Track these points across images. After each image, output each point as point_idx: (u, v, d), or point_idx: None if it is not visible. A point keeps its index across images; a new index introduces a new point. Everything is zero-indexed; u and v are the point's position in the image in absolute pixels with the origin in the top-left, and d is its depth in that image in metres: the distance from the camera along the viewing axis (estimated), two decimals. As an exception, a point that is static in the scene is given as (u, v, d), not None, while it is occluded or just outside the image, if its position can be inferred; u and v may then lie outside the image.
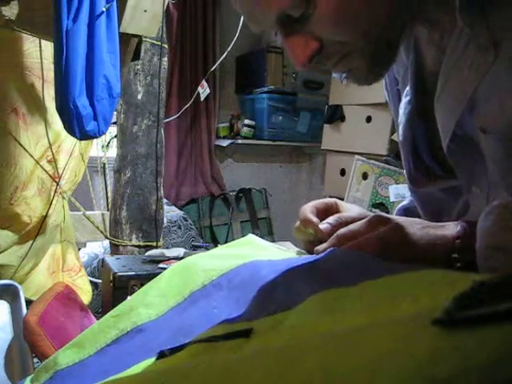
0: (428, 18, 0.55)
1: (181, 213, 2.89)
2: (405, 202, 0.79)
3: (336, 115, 2.82)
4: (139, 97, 1.83)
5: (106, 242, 2.18)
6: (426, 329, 0.20)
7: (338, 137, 2.88)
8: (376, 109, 2.55)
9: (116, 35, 1.29)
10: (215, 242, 3.18)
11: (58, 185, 1.70)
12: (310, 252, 0.59)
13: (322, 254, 0.50)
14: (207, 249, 1.56)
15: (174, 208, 2.95)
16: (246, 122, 3.29)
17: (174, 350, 0.41)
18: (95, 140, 1.88)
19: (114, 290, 1.29)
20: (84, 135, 1.29)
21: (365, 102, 2.61)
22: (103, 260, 1.52)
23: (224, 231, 3.32)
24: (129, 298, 0.61)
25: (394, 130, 2.29)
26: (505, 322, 0.18)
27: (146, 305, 0.54)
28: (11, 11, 1.33)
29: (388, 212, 2.33)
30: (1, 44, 1.45)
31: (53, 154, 1.64)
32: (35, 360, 1.02)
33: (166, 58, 1.85)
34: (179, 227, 2.77)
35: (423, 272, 0.35)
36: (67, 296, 1.12)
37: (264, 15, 0.49)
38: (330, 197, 0.75)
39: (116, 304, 0.58)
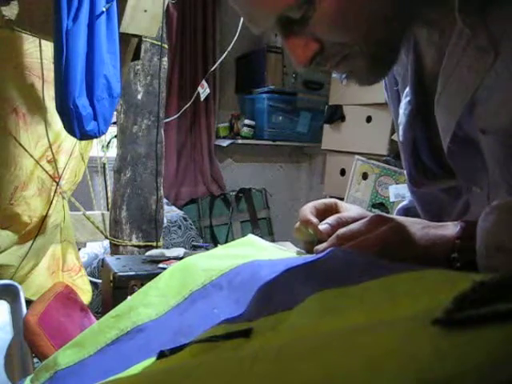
0: (428, 19, 0.55)
1: (181, 213, 2.89)
2: (405, 202, 0.79)
3: (336, 115, 2.83)
4: (139, 97, 1.83)
5: (106, 242, 2.18)
6: (426, 329, 0.20)
7: (337, 137, 2.88)
8: (376, 109, 2.55)
9: (116, 35, 1.29)
10: (215, 242, 3.18)
11: (58, 185, 1.70)
12: (310, 252, 0.59)
13: (322, 254, 0.50)
14: (207, 249, 1.56)
15: (173, 208, 2.95)
16: (246, 121, 3.29)
17: (174, 350, 0.41)
18: (95, 140, 1.87)
19: (113, 289, 1.29)
20: (84, 135, 1.29)
21: (365, 102, 2.61)
22: (103, 260, 1.52)
23: (224, 231, 3.32)
24: (129, 298, 0.61)
25: (393, 130, 2.29)
26: (505, 321, 0.18)
27: (146, 305, 0.54)
28: (11, 11, 1.33)
29: (388, 212, 2.33)
30: (1, 44, 1.45)
31: (53, 154, 1.64)
32: (35, 360, 1.02)
33: (165, 58, 1.85)
34: (179, 227, 2.77)
35: (423, 272, 0.35)
36: (67, 296, 1.12)
37: (264, 17, 0.49)
38: (330, 197, 0.75)
39: (116, 304, 0.58)
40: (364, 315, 0.33)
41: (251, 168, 3.59)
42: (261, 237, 0.68)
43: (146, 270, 1.35)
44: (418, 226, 0.50)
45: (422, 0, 0.52)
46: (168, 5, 2.04)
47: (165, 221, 2.18)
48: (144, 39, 1.60)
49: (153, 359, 0.43)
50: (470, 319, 0.19)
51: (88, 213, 2.03)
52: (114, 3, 1.27)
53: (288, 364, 0.23)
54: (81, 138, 1.33)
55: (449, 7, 0.49)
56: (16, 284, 1.12)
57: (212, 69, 2.73)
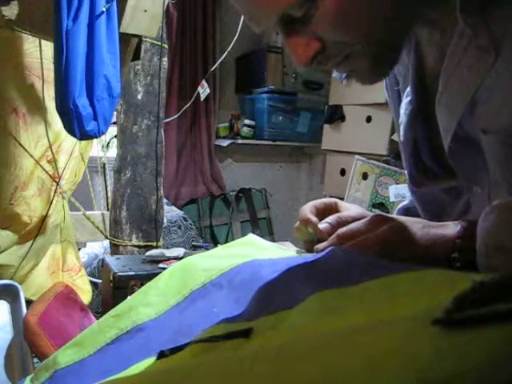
0: (429, 19, 0.55)
1: (181, 213, 2.89)
2: (405, 202, 0.79)
3: (336, 115, 2.82)
4: (139, 97, 1.83)
5: (106, 242, 2.18)
6: (426, 329, 0.20)
7: (337, 137, 2.88)
8: (376, 109, 2.55)
9: (116, 35, 1.29)
10: (215, 242, 3.18)
11: (58, 185, 1.70)
12: (310, 251, 0.59)
13: (323, 254, 0.50)
14: (207, 249, 1.56)
15: (173, 208, 2.95)
16: (246, 122, 3.29)
17: (174, 350, 0.41)
18: (95, 140, 1.87)
19: (113, 289, 1.29)
20: (84, 135, 1.29)
21: (365, 102, 2.61)
22: (103, 260, 1.52)
23: (224, 231, 3.32)
24: (129, 297, 0.61)
25: (394, 130, 2.29)
26: (505, 321, 0.18)
27: (146, 304, 0.54)
28: (11, 11, 1.33)
29: (388, 212, 2.33)
30: (1, 44, 1.45)
31: (53, 154, 1.64)
32: (35, 360, 1.02)
33: (165, 58, 1.85)
34: (179, 227, 2.77)
35: (423, 272, 0.35)
36: (67, 296, 1.12)
37: (265, 15, 0.48)
38: (330, 197, 0.75)
39: (116, 304, 0.58)
40: (364, 315, 0.33)
41: (251, 168, 3.59)
42: (261, 237, 0.68)
43: (145, 269, 1.35)
44: (418, 226, 0.50)
45: (423, 0, 0.52)
46: (168, 5, 2.04)
47: (165, 221, 2.18)
48: (144, 39, 1.60)
49: (153, 358, 0.43)
50: (470, 319, 0.19)
51: (88, 213, 2.03)
52: (114, 3, 1.27)
53: (288, 364, 0.23)
54: (81, 138, 1.33)
55: (450, 7, 0.49)
56: (16, 284, 1.12)
57: (212, 69, 2.73)
